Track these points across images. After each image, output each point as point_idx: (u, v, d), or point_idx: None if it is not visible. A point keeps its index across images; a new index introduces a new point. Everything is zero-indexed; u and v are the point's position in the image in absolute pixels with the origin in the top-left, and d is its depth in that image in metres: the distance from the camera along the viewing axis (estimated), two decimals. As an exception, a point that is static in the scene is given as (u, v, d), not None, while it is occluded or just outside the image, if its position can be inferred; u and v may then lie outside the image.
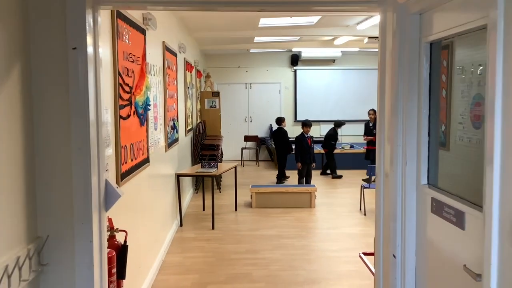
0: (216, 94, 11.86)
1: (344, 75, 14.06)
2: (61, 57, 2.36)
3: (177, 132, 6.93)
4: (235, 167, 7.83)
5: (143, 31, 4.52)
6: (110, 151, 3.36)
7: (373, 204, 8.06)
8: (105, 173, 2.53)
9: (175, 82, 6.82)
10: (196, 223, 7.10)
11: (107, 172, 3.02)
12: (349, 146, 12.38)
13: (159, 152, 5.47)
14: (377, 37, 8.74)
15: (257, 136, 13.34)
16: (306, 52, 13.31)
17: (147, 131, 4.65)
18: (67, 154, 2.38)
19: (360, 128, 14.08)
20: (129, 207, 3.98)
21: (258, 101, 14.07)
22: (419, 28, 2.52)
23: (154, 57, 5.26)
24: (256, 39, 10.58)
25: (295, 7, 3.01)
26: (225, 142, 12.99)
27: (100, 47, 2.49)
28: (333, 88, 14.04)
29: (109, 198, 2.47)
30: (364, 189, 7.59)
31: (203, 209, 7.85)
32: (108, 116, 3.32)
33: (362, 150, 12.21)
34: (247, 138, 13.19)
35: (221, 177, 10.53)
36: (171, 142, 6.32)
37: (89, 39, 2.34)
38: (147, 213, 4.80)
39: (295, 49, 12.76)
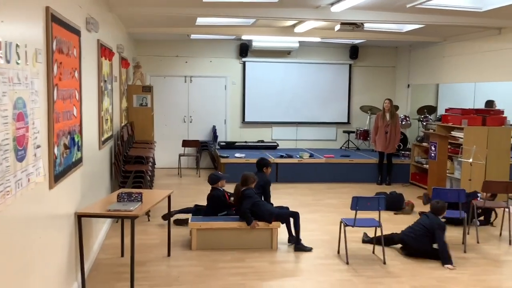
0: (148, 89, 9.51)
1: (301, 69, 12.04)
2: None
3: (79, 150, 4.61)
4: (169, 196, 5.56)
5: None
6: None
7: (356, 246, 5.82)
8: None
9: (76, 74, 4.49)
10: (107, 284, 4.80)
11: None
12: (309, 154, 10.40)
13: (30, 196, 3.15)
14: (353, 24, 6.69)
15: (197, 140, 11.06)
16: (258, 41, 11.16)
17: (-16, 173, 2.35)
18: None
19: (321, 132, 12.19)
20: None
21: (200, 97, 11.78)
22: None
23: (18, 30, 2.95)
24: (199, 20, 8.32)
25: None
26: (159, 148, 10.67)
27: None
28: (288, 84, 12.00)
29: None
30: (346, 227, 5.56)
31: (122, 254, 5.55)
32: None
33: (323, 159, 10.28)
34: (186, 144, 10.89)
35: (153, 184, 8.23)
36: (63, 170, 3.99)
37: None
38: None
39: (245, 37, 10.58)
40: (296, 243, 5.90)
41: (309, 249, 5.85)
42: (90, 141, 5.36)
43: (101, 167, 6.21)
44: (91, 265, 5.19)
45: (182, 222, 6.70)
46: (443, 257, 5.38)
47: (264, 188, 6.54)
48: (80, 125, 4.66)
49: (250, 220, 5.80)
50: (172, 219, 6.58)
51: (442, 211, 5.67)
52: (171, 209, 5.90)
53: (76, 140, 4.45)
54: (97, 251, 5.63)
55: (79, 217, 4.51)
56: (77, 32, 4.54)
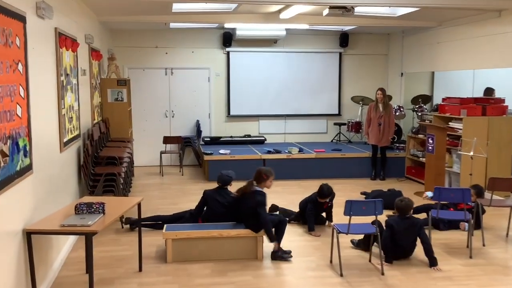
0: (123, 82, 8.82)
1: (289, 58, 11.39)
2: None
3: (26, 155, 3.95)
4: (139, 204, 4.92)
5: None
6: None
7: (351, 254, 5.24)
8: None
9: (20, 67, 3.83)
10: (66, 309, 4.18)
11: None
12: (298, 149, 9.79)
13: None
14: (343, 7, 5.98)
15: (179, 136, 10.41)
16: (242, 30, 10.50)
17: None
18: None
19: (311, 125, 11.58)
20: None
21: (182, 90, 11.12)
22: None
23: None
24: (176, 7, 7.64)
25: None
26: (138, 145, 10.04)
27: None
28: (275, 75, 11.36)
29: None
30: (339, 234, 4.96)
31: (87, 270, 4.91)
32: None
33: (313, 155, 9.68)
34: (167, 140, 10.23)
35: (131, 186, 7.64)
36: (1, 182, 3.34)
37: None
38: None
39: (228, 25, 9.92)
40: (274, 251, 5.28)
41: (288, 258, 5.24)
42: (46, 144, 4.70)
43: (64, 172, 5.54)
44: (50, 285, 4.56)
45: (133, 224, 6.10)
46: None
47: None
48: (28, 126, 4.00)
49: (273, 236, 5.21)
50: (124, 219, 6.10)
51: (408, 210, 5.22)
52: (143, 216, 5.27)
53: (21, 145, 3.79)
54: (60, 268, 4.99)
55: (29, 235, 3.87)
56: (20, 18, 3.87)
